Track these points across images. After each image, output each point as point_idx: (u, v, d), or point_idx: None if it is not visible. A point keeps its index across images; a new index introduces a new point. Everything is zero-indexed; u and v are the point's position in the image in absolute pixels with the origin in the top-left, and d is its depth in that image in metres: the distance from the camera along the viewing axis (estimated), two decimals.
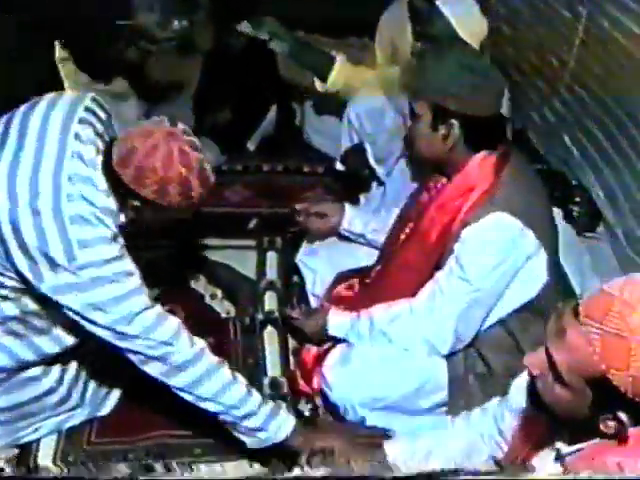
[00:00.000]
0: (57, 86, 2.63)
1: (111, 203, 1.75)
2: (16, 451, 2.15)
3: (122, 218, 1.80)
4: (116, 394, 2.30)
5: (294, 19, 4.62)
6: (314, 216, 2.57)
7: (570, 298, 1.72)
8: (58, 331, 1.91)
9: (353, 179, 3.13)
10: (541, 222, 2.02)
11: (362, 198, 3.10)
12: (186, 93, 3.35)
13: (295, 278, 2.85)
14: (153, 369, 1.86)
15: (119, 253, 1.73)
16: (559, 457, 1.37)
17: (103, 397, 2.27)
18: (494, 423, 1.77)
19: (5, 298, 1.82)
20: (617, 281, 1.28)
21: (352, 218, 2.53)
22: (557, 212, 2.67)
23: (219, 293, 2.84)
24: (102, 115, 1.88)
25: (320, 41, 4.82)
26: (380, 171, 2.87)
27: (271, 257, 3.07)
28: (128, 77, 2.85)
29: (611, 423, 1.26)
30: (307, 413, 2.36)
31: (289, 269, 2.91)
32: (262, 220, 3.28)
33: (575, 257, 2.66)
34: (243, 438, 1.98)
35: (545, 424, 1.49)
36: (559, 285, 2.15)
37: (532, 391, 1.44)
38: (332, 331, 2.22)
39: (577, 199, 2.97)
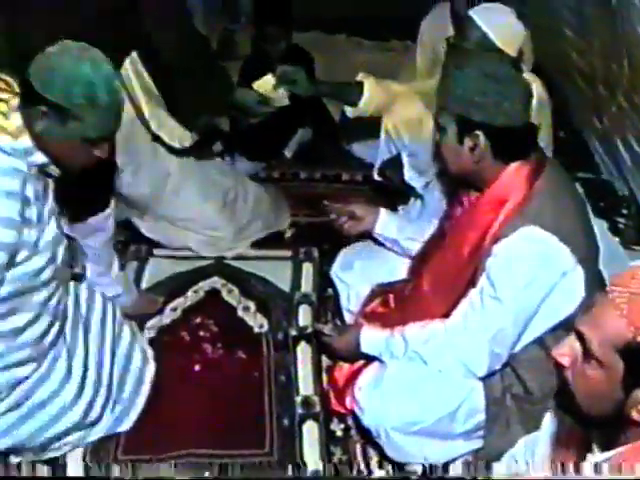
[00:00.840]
0: None
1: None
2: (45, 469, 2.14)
3: (39, 157, 1.82)
4: (137, 409, 2.32)
5: (335, 21, 4.66)
6: (347, 216, 2.49)
7: None
8: None
9: (391, 190, 3.08)
10: (578, 236, 1.93)
11: (400, 210, 3.05)
12: None
13: (330, 291, 2.81)
14: None
15: None
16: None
17: (123, 412, 2.28)
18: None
19: None
20: None
21: (386, 223, 2.46)
22: (602, 224, 2.59)
23: (252, 306, 2.83)
24: None
25: (362, 44, 4.83)
26: (418, 184, 2.80)
27: (307, 269, 3.05)
28: None
29: None
30: (339, 433, 2.34)
31: (324, 282, 2.87)
32: (299, 230, 3.26)
33: (620, 271, 2.56)
34: None
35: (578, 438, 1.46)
36: None
37: (562, 394, 1.41)
38: (365, 349, 2.16)
39: (624, 211, 2.90)
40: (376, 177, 2.99)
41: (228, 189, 3.08)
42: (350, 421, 2.33)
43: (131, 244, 3.12)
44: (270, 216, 3.24)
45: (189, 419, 2.34)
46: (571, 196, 2.02)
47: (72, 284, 2.22)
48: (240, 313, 2.79)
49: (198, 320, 2.74)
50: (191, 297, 2.86)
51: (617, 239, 2.82)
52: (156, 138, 2.78)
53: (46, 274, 1.93)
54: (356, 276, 2.52)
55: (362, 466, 2.25)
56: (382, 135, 2.92)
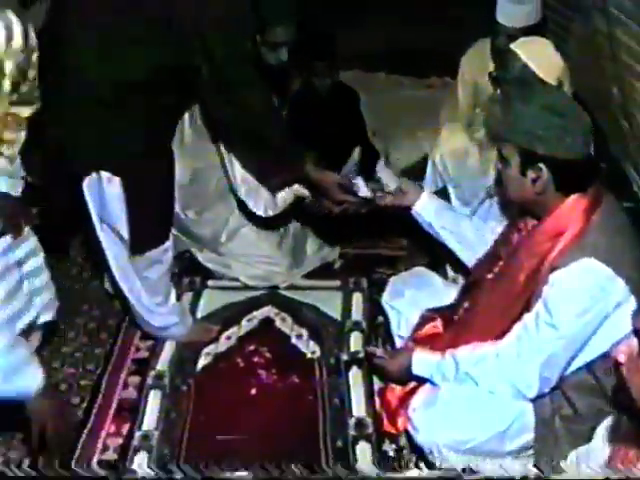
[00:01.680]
0: None
1: None
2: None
3: None
4: None
5: (375, 59, 4.76)
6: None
7: None
8: None
9: None
10: (632, 268, 1.96)
11: None
12: None
13: (380, 319, 2.87)
14: None
15: None
16: None
17: None
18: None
19: None
20: None
21: (426, 204, 2.49)
22: None
23: (305, 333, 2.90)
24: None
25: (401, 81, 4.92)
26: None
27: (357, 298, 3.12)
28: None
29: None
30: (391, 453, 2.38)
31: (374, 310, 2.94)
32: (347, 261, 3.33)
33: None
34: None
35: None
36: None
37: (619, 392, 1.43)
38: (416, 371, 2.21)
39: None
40: None
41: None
42: (403, 441, 2.37)
43: (185, 276, 3.22)
44: (320, 249, 3.34)
45: (245, 441, 2.40)
46: (625, 229, 2.05)
47: None
48: (293, 340, 2.86)
49: (252, 347, 2.82)
50: (245, 326, 2.94)
51: None
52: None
53: None
54: (406, 303, 2.57)
55: None
56: (428, 167, 3.00)
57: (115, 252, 2.56)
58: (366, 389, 2.61)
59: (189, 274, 3.25)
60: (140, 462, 2.36)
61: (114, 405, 2.59)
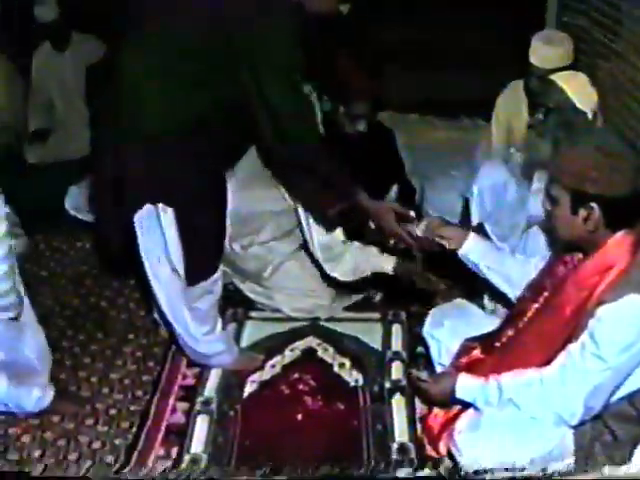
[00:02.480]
0: None
1: None
2: None
3: None
4: None
5: (407, 101, 4.86)
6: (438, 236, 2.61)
7: None
8: None
9: None
10: None
11: None
12: None
13: (420, 349, 2.93)
14: None
15: None
16: None
17: None
18: None
19: None
20: None
21: (472, 247, 2.54)
22: None
23: (347, 362, 2.96)
24: None
25: (434, 122, 5.02)
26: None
27: (396, 329, 3.19)
28: None
29: None
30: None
31: (414, 340, 3.01)
32: (386, 294, 3.41)
33: None
34: None
35: None
36: None
37: None
38: (460, 395, 2.26)
39: None
40: None
41: None
42: (444, 467, 2.39)
43: (229, 307, 3.29)
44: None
45: (293, 465, 2.43)
46: None
47: None
48: (336, 369, 2.92)
49: (296, 375, 2.88)
50: (288, 355, 3.00)
51: None
52: None
53: None
54: (446, 333, 2.63)
55: None
56: (472, 202, 3.06)
57: (165, 282, 2.62)
58: (409, 415, 2.66)
59: (232, 305, 3.32)
60: None
61: (163, 429, 2.64)
